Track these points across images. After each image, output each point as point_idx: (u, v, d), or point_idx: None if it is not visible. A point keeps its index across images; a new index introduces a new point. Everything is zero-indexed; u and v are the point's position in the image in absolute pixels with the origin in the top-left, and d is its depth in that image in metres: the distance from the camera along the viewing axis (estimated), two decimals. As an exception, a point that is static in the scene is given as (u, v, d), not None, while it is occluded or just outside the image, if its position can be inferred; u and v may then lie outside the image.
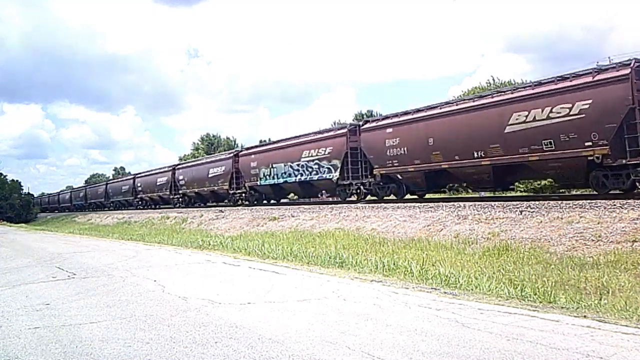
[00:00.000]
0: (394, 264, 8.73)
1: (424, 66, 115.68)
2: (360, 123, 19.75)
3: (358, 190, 19.33)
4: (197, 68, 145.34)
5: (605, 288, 6.50)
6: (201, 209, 28.54)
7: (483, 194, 20.92)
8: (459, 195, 23.03)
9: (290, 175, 23.23)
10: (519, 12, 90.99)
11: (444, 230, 11.99)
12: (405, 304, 5.99)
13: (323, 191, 23.60)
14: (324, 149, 20.64)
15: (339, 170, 19.69)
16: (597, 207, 10.13)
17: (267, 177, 24.98)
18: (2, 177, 63.71)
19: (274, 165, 24.48)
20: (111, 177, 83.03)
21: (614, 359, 3.84)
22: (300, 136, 23.59)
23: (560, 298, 6.05)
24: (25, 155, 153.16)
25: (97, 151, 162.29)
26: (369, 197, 19.57)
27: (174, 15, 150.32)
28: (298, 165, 22.56)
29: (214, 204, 32.93)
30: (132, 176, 44.18)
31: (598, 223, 9.49)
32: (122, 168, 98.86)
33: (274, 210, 20.34)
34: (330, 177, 20.20)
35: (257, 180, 25.70)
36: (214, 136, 67.97)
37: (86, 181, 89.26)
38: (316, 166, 21.22)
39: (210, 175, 30.56)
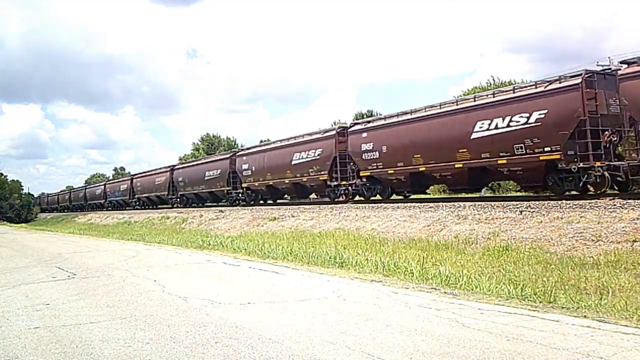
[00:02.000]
0: (394, 264, 8.73)
1: (424, 66, 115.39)
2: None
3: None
4: (197, 68, 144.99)
5: (605, 288, 6.49)
6: (201, 209, 28.51)
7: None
8: (459, 196, 23.04)
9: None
10: (518, 12, 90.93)
11: (444, 230, 11.99)
12: (405, 304, 5.99)
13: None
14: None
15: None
16: (597, 207, 10.12)
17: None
18: (2, 177, 63.75)
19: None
20: (111, 177, 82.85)
21: (614, 359, 3.84)
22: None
23: (560, 298, 6.05)
24: (25, 155, 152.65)
25: (97, 151, 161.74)
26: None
27: (172, 15, 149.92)
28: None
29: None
30: (228, 155, 30.03)
31: (598, 223, 9.49)
32: (122, 168, 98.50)
33: (274, 210, 20.35)
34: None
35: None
36: (214, 136, 67.79)
37: (86, 181, 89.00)
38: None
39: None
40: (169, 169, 36.40)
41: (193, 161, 37.64)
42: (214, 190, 30.21)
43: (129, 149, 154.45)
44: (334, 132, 20.51)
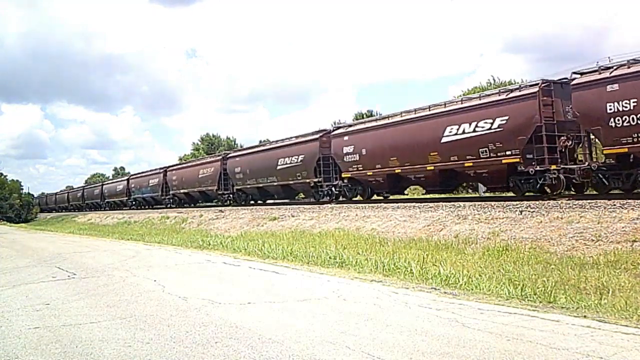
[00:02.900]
0: (394, 264, 8.73)
1: (424, 66, 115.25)
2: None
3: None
4: (196, 68, 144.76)
5: (605, 288, 6.50)
6: (201, 209, 28.50)
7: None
8: (459, 195, 23.06)
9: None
10: (518, 12, 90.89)
11: (444, 230, 11.99)
12: (405, 304, 5.99)
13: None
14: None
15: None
16: (597, 207, 10.13)
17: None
18: (2, 177, 63.84)
19: None
20: (111, 177, 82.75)
21: (614, 359, 3.84)
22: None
23: (560, 298, 6.05)
24: (25, 155, 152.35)
25: (96, 151, 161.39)
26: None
27: (171, 15, 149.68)
28: None
29: None
30: (317, 136, 23.39)
31: (598, 223, 9.49)
32: (122, 168, 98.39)
33: (274, 210, 20.35)
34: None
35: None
36: (214, 136, 67.84)
37: (86, 181, 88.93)
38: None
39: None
40: (219, 157, 29.88)
41: (255, 147, 28.88)
42: (291, 183, 22.71)
43: (128, 149, 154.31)
44: (535, 88, 12.77)
